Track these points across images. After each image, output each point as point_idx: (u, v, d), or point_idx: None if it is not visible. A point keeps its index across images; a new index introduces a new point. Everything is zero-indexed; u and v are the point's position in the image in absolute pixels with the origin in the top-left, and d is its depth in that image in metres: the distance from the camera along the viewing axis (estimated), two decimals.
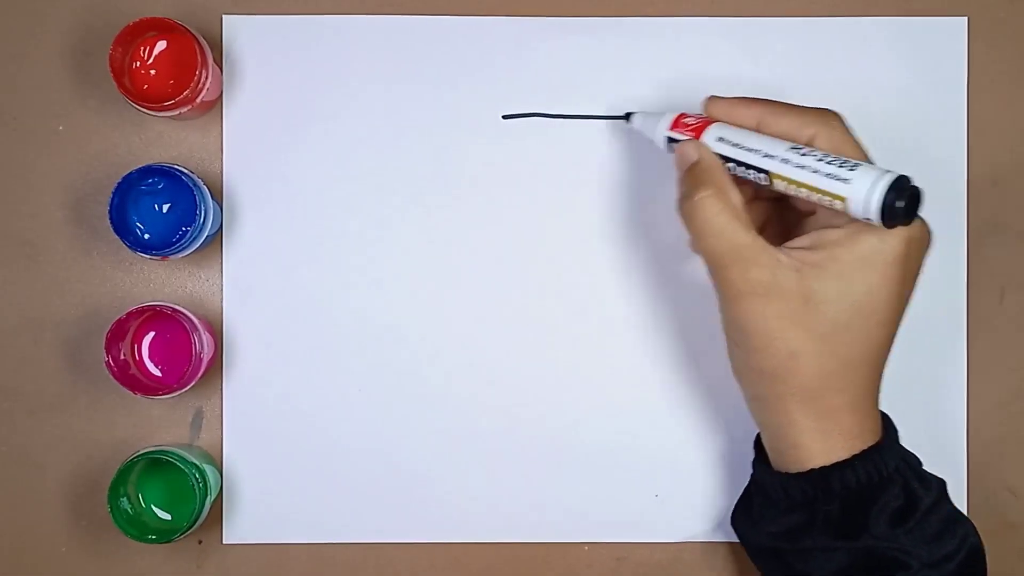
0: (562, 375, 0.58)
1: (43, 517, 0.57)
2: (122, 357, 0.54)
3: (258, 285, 0.58)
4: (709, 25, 0.58)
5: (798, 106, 0.49)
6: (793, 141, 0.48)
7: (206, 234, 0.55)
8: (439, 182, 0.58)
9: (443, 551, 0.58)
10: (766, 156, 0.47)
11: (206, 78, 0.54)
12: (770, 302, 0.46)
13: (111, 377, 0.53)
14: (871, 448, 0.48)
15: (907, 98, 0.58)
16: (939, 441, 0.58)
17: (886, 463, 0.48)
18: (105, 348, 0.53)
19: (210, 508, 0.55)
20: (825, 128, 0.48)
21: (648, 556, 0.58)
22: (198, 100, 0.55)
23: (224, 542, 0.57)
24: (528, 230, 0.58)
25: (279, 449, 0.57)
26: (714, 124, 0.50)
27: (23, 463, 0.57)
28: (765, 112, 0.49)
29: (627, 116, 0.55)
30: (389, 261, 0.58)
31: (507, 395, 0.58)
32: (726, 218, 0.47)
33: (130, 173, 0.54)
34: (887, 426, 0.50)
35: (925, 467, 0.51)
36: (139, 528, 0.54)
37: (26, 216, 0.57)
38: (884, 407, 0.57)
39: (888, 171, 0.45)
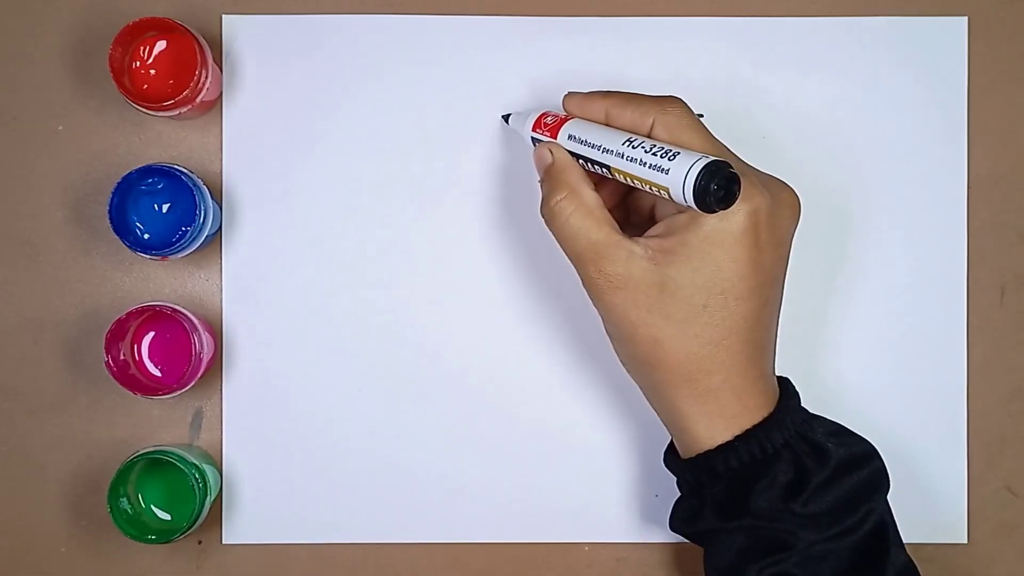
0: (563, 375, 0.58)
1: (43, 517, 0.57)
2: (122, 357, 0.54)
3: (258, 285, 0.58)
4: (709, 25, 0.58)
5: (640, 96, 0.50)
6: (636, 132, 0.49)
7: (206, 234, 0.55)
8: (439, 182, 0.58)
9: (443, 551, 0.58)
10: (604, 151, 0.49)
11: (206, 78, 0.54)
12: (628, 294, 0.47)
13: (111, 377, 0.53)
14: (756, 426, 0.48)
15: (907, 98, 0.58)
16: (939, 441, 0.58)
17: (771, 439, 0.48)
18: (105, 348, 0.53)
19: (210, 508, 0.55)
20: (662, 115, 0.48)
21: (648, 556, 0.58)
22: (198, 100, 0.55)
23: (224, 542, 0.57)
24: (528, 230, 0.58)
25: (279, 449, 0.57)
26: (568, 121, 0.51)
27: (23, 463, 0.57)
28: (611, 104, 0.50)
29: (506, 118, 0.57)
30: (389, 261, 0.58)
31: (507, 395, 0.58)
32: (579, 218, 0.49)
33: (130, 173, 0.54)
34: (783, 396, 0.50)
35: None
36: (139, 528, 0.54)
37: (26, 216, 0.57)
38: (885, 407, 0.57)
39: (703, 157, 0.45)
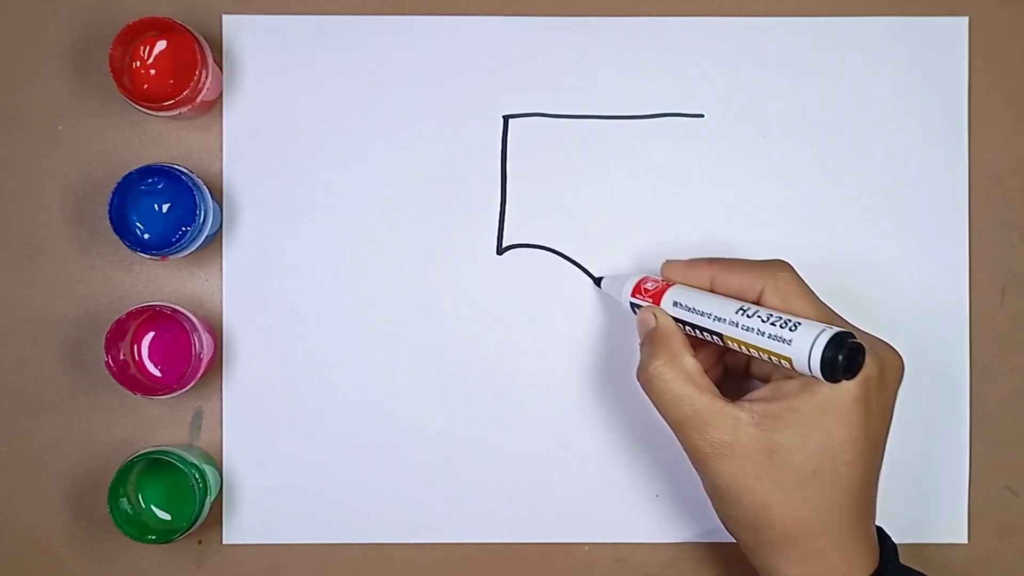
0: (563, 375, 0.58)
1: (43, 517, 0.57)
2: (122, 357, 0.54)
3: (258, 285, 0.58)
4: (709, 25, 0.58)
5: (747, 262, 0.51)
6: (744, 298, 0.49)
7: (206, 234, 0.55)
8: (439, 182, 0.58)
9: (443, 551, 0.58)
10: (716, 319, 0.49)
11: (206, 78, 0.54)
12: (734, 460, 0.47)
13: (111, 377, 0.53)
14: None
15: (908, 98, 0.58)
16: (941, 441, 0.58)
17: None
18: (105, 348, 0.53)
19: (210, 508, 0.55)
20: (772, 281, 0.49)
21: (648, 556, 0.58)
22: (198, 100, 0.55)
23: (224, 542, 0.57)
24: (529, 229, 0.58)
25: (279, 449, 0.57)
26: (671, 288, 0.52)
27: (23, 463, 0.57)
28: (716, 271, 0.51)
29: (597, 281, 0.57)
30: (389, 261, 0.58)
31: (507, 395, 0.58)
32: (680, 385, 0.48)
33: (130, 173, 0.54)
34: (884, 549, 0.50)
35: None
36: (139, 528, 0.54)
37: (26, 216, 0.57)
38: None
39: (827, 328, 0.45)
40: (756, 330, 0.47)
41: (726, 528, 0.51)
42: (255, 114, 0.58)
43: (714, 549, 0.58)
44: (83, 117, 0.57)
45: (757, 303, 0.49)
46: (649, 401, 0.50)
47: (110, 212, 0.53)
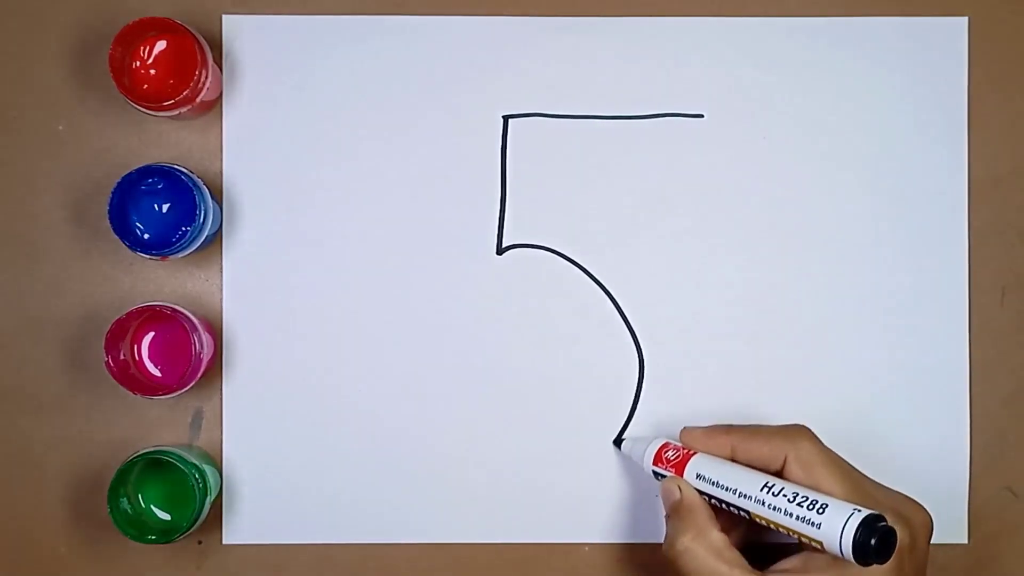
0: (563, 375, 0.58)
1: (43, 517, 0.57)
2: (122, 357, 0.54)
3: (258, 285, 0.58)
4: (709, 25, 0.58)
5: (767, 430, 0.51)
6: (767, 469, 0.50)
7: (206, 234, 0.55)
8: (439, 182, 0.58)
9: (443, 551, 0.58)
10: (741, 496, 0.49)
11: (206, 78, 0.54)
12: None
13: (111, 377, 0.53)
14: None
15: (907, 98, 0.58)
16: (941, 441, 0.58)
17: None
18: (105, 348, 0.53)
19: (210, 508, 0.55)
20: (794, 451, 0.49)
21: (648, 556, 0.58)
22: (198, 100, 0.55)
23: (224, 542, 0.57)
24: (529, 229, 0.58)
25: (279, 449, 0.57)
26: (693, 458, 0.52)
27: (23, 463, 0.57)
28: (737, 441, 0.51)
29: (617, 442, 0.57)
30: (389, 261, 0.58)
31: (507, 395, 0.58)
32: (710, 561, 0.49)
33: (130, 173, 0.54)
34: None
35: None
36: (139, 528, 0.54)
37: (26, 216, 0.57)
38: (886, 407, 0.58)
39: (856, 510, 0.46)
40: (783, 511, 0.47)
41: None
42: (255, 114, 0.58)
43: None
44: (83, 117, 0.57)
45: (780, 473, 0.50)
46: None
47: (110, 212, 0.53)
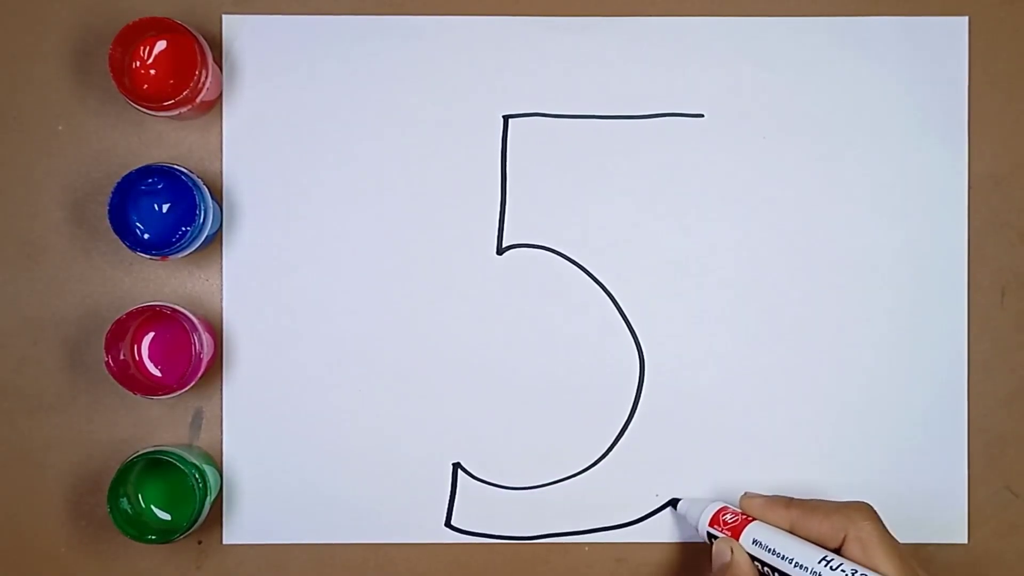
0: (563, 375, 0.58)
1: (43, 517, 0.57)
2: (122, 357, 0.54)
3: (258, 285, 0.58)
4: (709, 25, 0.58)
5: (828, 506, 0.51)
6: (825, 545, 0.50)
7: (206, 234, 0.55)
8: (439, 182, 0.58)
9: (443, 551, 0.58)
10: (797, 566, 0.49)
11: (206, 78, 0.54)
12: None
13: (111, 377, 0.53)
14: None
15: (907, 98, 0.58)
16: (940, 441, 0.58)
17: None
18: (105, 348, 0.53)
19: (210, 508, 0.55)
20: (855, 531, 0.49)
21: (648, 556, 0.58)
22: (198, 100, 0.55)
23: (224, 542, 0.57)
24: (529, 229, 0.58)
25: (279, 449, 0.57)
26: (751, 524, 0.52)
27: (23, 463, 0.57)
28: (797, 516, 0.51)
29: (673, 503, 0.57)
30: (389, 261, 0.58)
31: (507, 394, 0.58)
32: None
33: (130, 173, 0.54)
34: None
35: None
36: (139, 528, 0.54)
37: (26, 216, 0.57)
38: (885, 406, 0.58)
39: None
40: None
41: None
42: (255, 114, 0.58)
43: None
44: (83, 117, 0.57)
45: (838, 550, 0.49)
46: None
47: (110, 212, 0.53)
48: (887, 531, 0.50)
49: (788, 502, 0.52)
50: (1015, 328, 0.58)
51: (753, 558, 0.51)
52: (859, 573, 0.47)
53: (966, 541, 0.58)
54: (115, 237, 0.53)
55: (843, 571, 0.48)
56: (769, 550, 0.51)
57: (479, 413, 0.58)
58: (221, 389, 0.57)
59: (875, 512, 0.50)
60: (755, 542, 0.51)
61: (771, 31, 0.58)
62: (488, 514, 0.58)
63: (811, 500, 0.52)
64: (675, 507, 0.57)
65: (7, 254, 0.57)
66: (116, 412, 0.57)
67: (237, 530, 0.57)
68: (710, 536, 0.54)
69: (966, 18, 0.58)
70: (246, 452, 0.57)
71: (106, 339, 0.53)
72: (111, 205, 0.53)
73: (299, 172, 0.58)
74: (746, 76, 0.58)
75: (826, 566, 0.48)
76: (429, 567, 0.58)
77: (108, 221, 0.53)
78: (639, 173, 0.58)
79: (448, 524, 0.58)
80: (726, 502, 0.55)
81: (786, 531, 0.51)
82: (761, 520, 0.52)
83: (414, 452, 0.58)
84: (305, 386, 0.57)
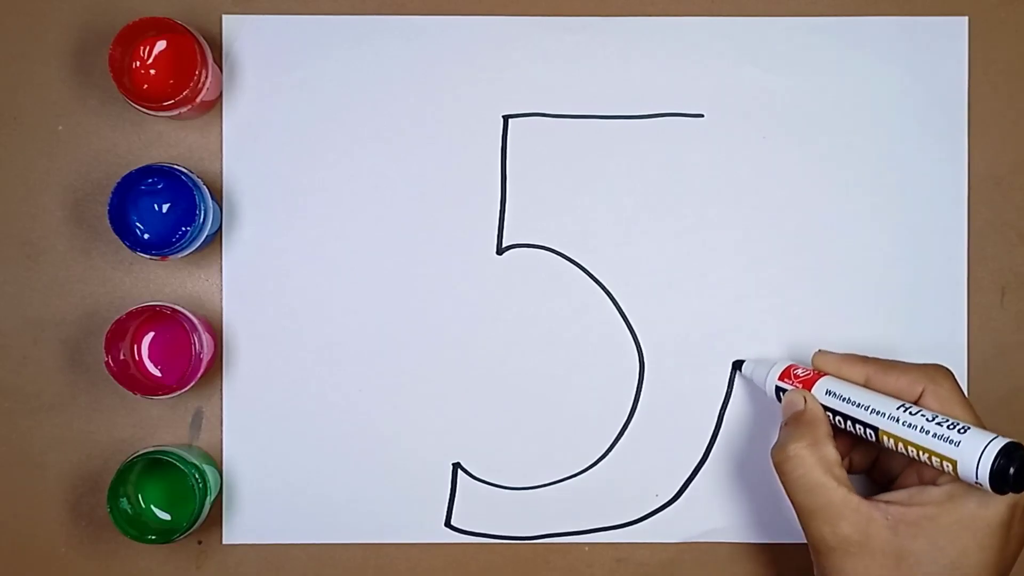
0: (563, 375, 0.58)
1: (43, 517, 0.57)
2: (122, 357, 0.54)
3: (258, 285, 0.58)
4: (709, 25, 0.58)
5: (906, 364, 0.50)
6: (901, 399, 0.49)
7: (206, 234, 0.55)
8: (439, 182, 0.58)
9: (443, 551, 0.58)
10: (874, 412, 0.48)
11: (206, 78, 0.54)
12: (860, 559, 0.47)
13: (111, 377, 0.53)
14: None
15: (907, 98, 0.58)
16: None
17: None
18: (105, 348, 0.53)
19: (210, 508, 0.55)
20: (933, 386, 0.49)
21: (648, 556, 0.58)
22: (198, 100, 0.55)
23: (224, 542, 0.57)
24: (529, 229, 0.58)
25: (279, 449, 0.57)
26: (825, 377, 0.51)
27: (23, 463, 0.57)
28: (873, 370, 0.50)
29: (738, 364, 0.57)
30: (389, 261, 0.58)
31: (507, 394, 0.58)
32: (819, 473, 0.48)
33: (130, 173, 0.54)
34: None
35: None
36: (139, 528, 0.54)
37: (26, 216, 0.57)
38: None
39: (998, 436, 0.45)
40: (920, 428, 0.46)
41: None
42: (255, 114, 0.58)
43: (714, 549, 0.58)
44: (83, 117, 0.57)
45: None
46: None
47: (110, 212, 0.53)
48: (963, 393, 0.49)
49: (864, 359, 0.51)
50: (1015, 328, 0.58)
51: (826, 409, 0.50)
52: (940, 417, 0.46)
53: None
54: (115, 237, 0.53)
55: (924, 416, 0.46)
56: (844, 399, 0.49)
57: (479, 413, 0.58)
58: (221, 389, 0.57)
59: (953, 375, 0.49)
60: (828, 392, 0.50)
61: (771, 31, 0.58)
62: (488, 514, 0.58)
63: (888, 360, 0.51)
64: (740, 369, 0.56)
65: (7, 254, 0.57)
66: (116, 412, 0.57)
67: (237, 530, 0.57)
68: (779, 392, 0.53)
69: (966, 18, 0.58)
70: (246, 452, 0.57)
71: (106, 339, 0.53)
72: (111, 205, 0.53)
73: (299, 172, 0.58)
74: (746, 76, 0.58)
75: (905, 411, 0.47)
76: (429, 567, 0.58)
77: (108, 221, 0.53)
78: (639, 173, 0.58)
79: (448, 524, 0.58)
80: (796, 361, 0.54)
81: (860, 386, 0.51)
82: (835, 376, 0.51)
83: (414, 452, 0.58)
84: (305, 386, 0.57)
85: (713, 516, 0.58)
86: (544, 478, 0.58)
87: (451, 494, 0.58)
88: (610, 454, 0.58)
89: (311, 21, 0.58)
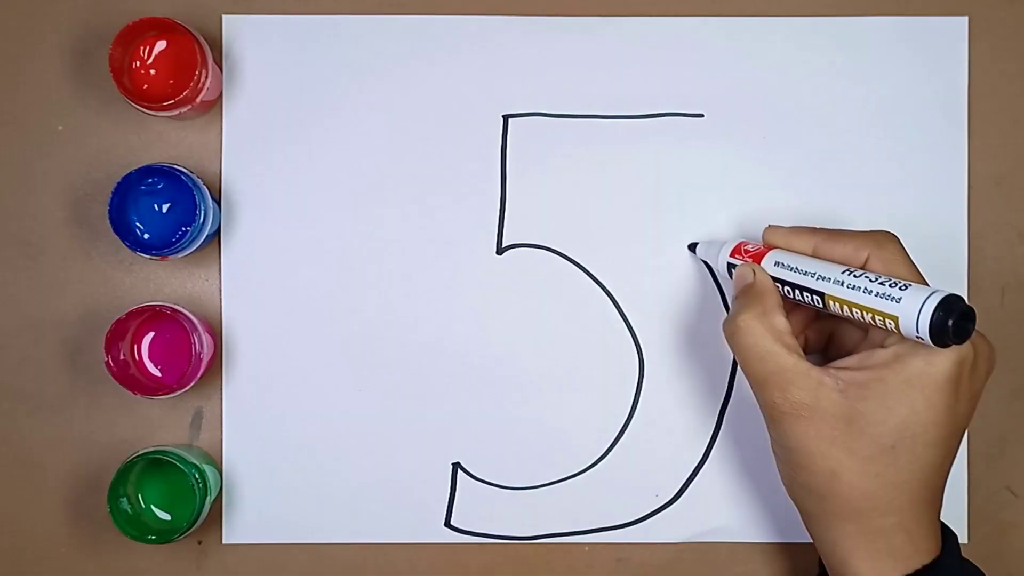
0: (562, 375, 0.58)
1: (43, 517, 0.57)
2: (122, 357, 0.54)
3: (258, 285, 0.58)
4: (709, 25, 0.58)
5: (852, 231, 0.51)
6: (848, 265, 0.49)
7: (206, 234, 0.55)
8: (439, 182, 0.58)
9: (443, 551, 0.58)
10: (820, 278, 0.49)
11: (206, 78, 0.54)
12: (811, 423, 0.47)
13: (111, 377, 0.53)
14: (924, 568, 0.47)
15: (907, 98, 0.58)
16: None
17: None
18: (105, 348, 0.53)
19: (210, 508, 0.55)
20: (878, 250, 0.49)
21: (648, 556, 0.58)
22: (198, 100, 0.55)
23: (224, 542, 0.57)
24: (529, 229, 0.58)
25: (279, 449, 0.57)
26: (772, 251, 0.52)
27: (23, 463, 0.57)
28: (820, 239, 0.51)
29: (692, 247, 0.57)
30: (389, 261, 0.58)
31: (507, 395, 0.58)
32: (768, 342, 0.48)
33: (130, 173, 0.54)
34: (946, 541, 0.49)
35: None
36: (139, 528, 0.54)
37: (26, 216, 0.57)
38: None
39: (938, 290, 0.45)
40: (863, 288, 0.46)
41: (789, 493, 0.50)
42: (255, 114, 0.58)
43: (714, 549, 0.58)
44: (83, 117, 0.57)
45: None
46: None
47: (110, 212, 0.53)
48: (909, 256, 0.49)
49: (812, 230, 0.52)
50: (1015, 328, 0.58)
51: (775, 280, 0.51)
52: (882, 278, 0.46)
53: (966, 541, 0.58)
54: (115, 237, 0.53)
55: (867, 277, 0.47)
56: (792, 268, 0.50)
57: (479, 413, 0.58)
58: (221, 389, 0.57)
59: (899, 239, 0.50)
60: (777, 264, 0.51)
61: (771, 31, 0.58)
62: (488, 514, 0.58)
63: (833, 229, 0.51)
64: (693, 251, 0.57)
65: (7, 254, 0.57)
66: (116, 412, 0.57)
67: (237, 530, 0.57)
68: (730, 268, 0.53)
69: (966, 18, 0.58)
70: (246, 452, 0.57)
71: (106, 339, 0.53)
72: (111, 205, 0.53)
73: (299, 172, 0.58)
74: (746, 76, 0.58)
75: (849, 275, 0.47)
76: (429, 567, 0.58)
77: (108, 221, 0.53)
78: (639, 173, 0.58)
79: (448, 524, 0.58)
80: (746, 238, 0.54)
81: (808, 256, 0.51)
82: (785, 248, 0.52)
83: (414, 452, 0.58)
84: (305, 386, 0.57)
85: (713, 516, 0.58)
86: (544, 478, 0.58)
87: (451, 494, 0.58)
88: (610, 454, 0.58)
89: (311, 21, 0.58)
